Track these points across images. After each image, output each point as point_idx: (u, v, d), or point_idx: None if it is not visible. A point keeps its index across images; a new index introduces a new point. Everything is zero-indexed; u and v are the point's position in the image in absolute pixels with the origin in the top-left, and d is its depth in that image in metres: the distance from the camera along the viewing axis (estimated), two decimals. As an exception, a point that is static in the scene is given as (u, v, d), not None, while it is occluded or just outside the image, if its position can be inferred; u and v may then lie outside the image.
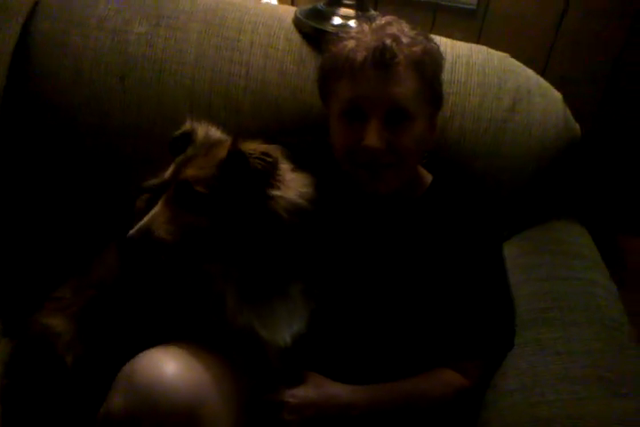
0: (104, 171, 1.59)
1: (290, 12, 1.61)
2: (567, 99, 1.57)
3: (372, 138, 1.21)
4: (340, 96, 1.26)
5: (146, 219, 1.07)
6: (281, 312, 1.18)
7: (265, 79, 1.54)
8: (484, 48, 1.59)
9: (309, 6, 1.60)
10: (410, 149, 1.24)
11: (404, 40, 1.23)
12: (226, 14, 1.58)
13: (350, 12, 1.54)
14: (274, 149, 1.10)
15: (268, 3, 1.82)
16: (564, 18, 1.75)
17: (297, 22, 1.57)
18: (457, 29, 1.77)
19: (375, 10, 1.64)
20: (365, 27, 1.27)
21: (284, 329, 1.17)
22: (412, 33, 1.26)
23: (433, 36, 1.34)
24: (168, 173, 1.13)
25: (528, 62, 1.60)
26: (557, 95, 1.57)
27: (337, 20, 1.53)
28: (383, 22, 1.27)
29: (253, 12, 1.59)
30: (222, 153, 1.09)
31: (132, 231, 1.05)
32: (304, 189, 1.15)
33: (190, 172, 1.09)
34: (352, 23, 1.51)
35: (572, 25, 1.75)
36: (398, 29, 1.25)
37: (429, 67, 1.25)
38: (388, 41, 1.21)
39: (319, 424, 1.17)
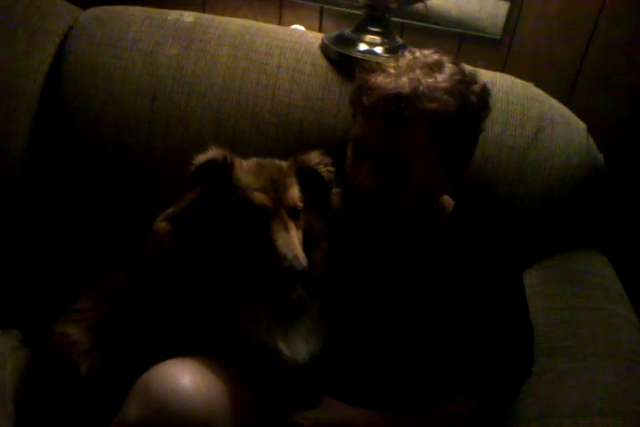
0: (127, 189, 1.62)
1: (317, 37, 1.64)
2: (590, 129, 1.58)
3: (362, 179, 1.21)
4: (354, 130, 1.27)
5: (299, 249, 1.09)
6: (300, 331, 1.18)
7: (290, 102, 1.57)
8: (508, 76, 1.60)
9: (336, 33, 1.63)
10: (404, 196, 1.22)
11: (425, 91, 1.15)
12: (255, 39, 1.62)
13: (376, 38, 1.57)
14: (327, 158, 1.22)
15: (295, 29, 1.86)
16: (589, 49, 1.75)
17: (324, 48, 1.60)
18: (482, 59, 1.78)
19: (401, 37, 1.66)
20: (403, 60, 1.22)
21: (303, 347, 1.18)
22: (445, 84, 1.16)
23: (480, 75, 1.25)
24: (263, 201, 1.12)
25: (552, 93, 1.61)
26: (581, 125, 1.57)
27: (363, 47, 1.56)
28: (421, 61, 1.20)
29: (281, 37, 1.63)
30: (288, 173, 1.18)
31: (300, 263, 1.07)
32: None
33: (289, 196, 1.14)
34: (378, 50, 1.54)
35: (596, 56, 1.75)
36: (429, 75, 1.17)
37: (448, 125, 1.16)
38: (406, 90, 1.15)
39: None
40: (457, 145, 1.22)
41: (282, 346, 1.15)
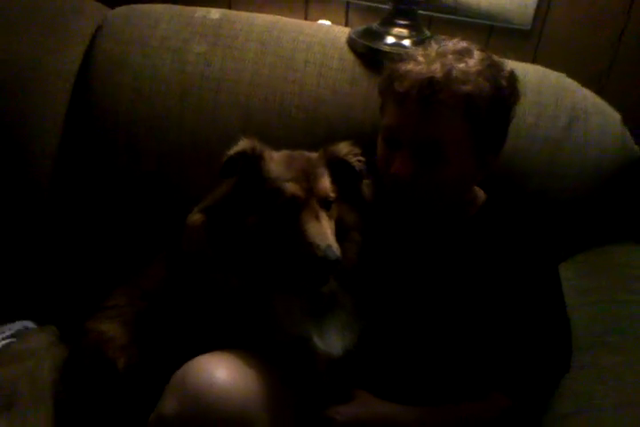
0: (157, 186, 1.63)
1: (344, 32, 1.64)
2: (625, 120, 1.54)
3: (397, 167, 1.20)
4: (384, 120, 1.26)
5: (332, 238, 1.09)
6: (335, 324, 1.18)
7: (318, 97, 1.56)
8: (539, 67, 1.58)
9: (363, 26, 1.62)
10: (438, 185, 1.21)
11: (458, 75, 1.15)
12: (281, 34, 1.62)
13: (404, 31, 1.55)
14: (357, 148, 1.22)
15: (322, 24, 1.85)
16: (622, 37, 1.72)
17: (350, 42, 1.59)
18: (511, 51, 1.76)
19: (429, 30, 1.64)
20: (431, 49, 1.22)
21: (337, 341, 1.17)
22: (476, 68, 1.17)
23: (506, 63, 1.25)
24: (294, 191, 1.12)
25: (585, 83, 1.58)
26: (615, 115, 1.54)
27: (390, 40, 1.54)
28: (450, 49, 1.21)
29: (308, 32, 1.62)
30: (318, 163, 1.18)
31: (334, 253, 1.06)
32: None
33: (320, 186, 1.14)
34: (406, 42, 1.53)
35: (630, 44, 1.72)
36: (460, 60, 1.18)
37: (482, 108, 1.16)
38: (439, 74, 1.15)
39: None
40: (490, 130, 1.20)
41: (316, 339, 1.15)
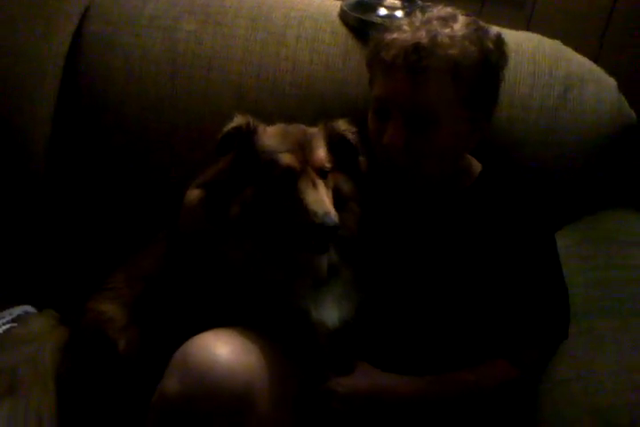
0: (152, 166, 1.62)
1: (335, 5, 1.61)
2: (621, 86, 1.53)
3: (389, 137, 1.20)
4: (373, 91, 1.26)
5: (329, 205, 1.10)
6: (332, 295, 1.19)
7: (311, 73, 1.54)
8: (534, 35, 1.57)
9: (355, -1, 1.60)
10: (432, 152, 1.20)
11: (444, 40, 1.15)
12: (272, 10, 1.60)
13: (396, 2, 1.53)
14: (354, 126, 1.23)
15: (313, -2, 1.83)
16: (616, 3, 1.70)
17: (342, 15, 1.58)
18: (505, 19, 1.74)
19: (422, 0, 1.62)
20: (416, 18, 1.22)
21: (334, 312, 1.18)
22: (462, 32, 1.17)
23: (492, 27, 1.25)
24: (289, 162, 1.13)
25: (579, 51, 1.56)
26: (611, 82, 1.53)
27: (382, 11, 1.53)
28: (435, 15, 1.21)
29: (299, 7, 1.60)
30: (315, 136, 1.19)
31: (332, 219, 1.07)
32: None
33: (315, 155, 1.15)
34: (398, 13, 1.51)
35: (623, 10, 1.70)
36: (445, 26, 1.18)
37: (470, 71, 1.16)
38: (424, 40, 1.15)
39: (368, 414, 1.17)
40: (480, 93, 1.20)
41: (314, 310, 1.16)
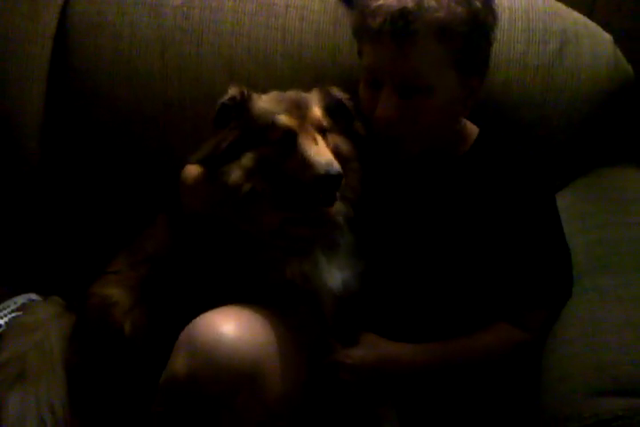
0: (147, 146, 1.60)
1: (324, -28, 1.58)
2: (617, 39, 1.50)
3: (382, 108, 1.18)
4: (363, 62, 1.25)
5: (331, 156, 1.12)
6: (335, 261, 1.20)
7: (302, 42, 1.52)
8: (527, -8, 1.53)
9: (344, -36, 1.57)
10: (427, 119, 1.19)
11: (430, 3, 1.13)
12: (259, -21, 1.57)
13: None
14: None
15: (300, -35, 1.79)
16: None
17: (331, -19, 1.55)
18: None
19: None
20: None
21: (338, 279, 1.19)
22: None
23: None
24: (288, 122, 1.14)
25: (573, 6, 1.53)
26: (607, 36, 1.50)
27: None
28: None
29: (287, -25, 1.57)
30: (310, 97, 1.21)
31: (335, 168, 1.08)
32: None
33: (312, 113, 1.16)
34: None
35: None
36: None
37: (459, 33, 1.14)
38: (410, 4, 1.13)
39: (376, 383, 1.18)
40: (471, 54, 1.18)
41: (317, 275, 1.17)
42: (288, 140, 1.13)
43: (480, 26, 1.18)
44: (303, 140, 1.13)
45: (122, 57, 1.56)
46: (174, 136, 1.58)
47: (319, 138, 1.14)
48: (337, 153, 1.17)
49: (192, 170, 1.27)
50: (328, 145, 1.16)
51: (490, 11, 1.20)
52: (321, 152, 1.11)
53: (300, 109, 1.16)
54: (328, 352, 1.19)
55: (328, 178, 1.08)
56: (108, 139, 1.61)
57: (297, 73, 1.52)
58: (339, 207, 1.18)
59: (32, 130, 1.62)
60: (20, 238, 1.66)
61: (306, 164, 1.10)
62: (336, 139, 1.20)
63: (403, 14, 1.13)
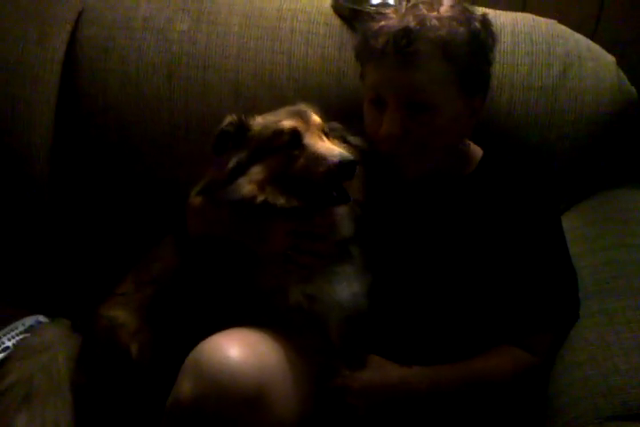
0: (154, 168, 1.62)
1: (328, -4, 1.61)
2: (620, 62, 1.51)
3: (387, 126, 1.19)
4: (366, 82, 1.26)
5: (341, 148, 1.15)
6: (345, 277, 1.20)
7: (307, 66, 1.54)
8: (529, 15, 1.55)
9: (347, -11, 1.59)
10: (431, 137, 1.20)
11: (432, 23, 1.16)
12: (264, 4, 1.59)
13: (389, -8, 1.52)
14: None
15: (305, -10, 1.82)
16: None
17: (335, 6, 1.57)
18: (501, 1, 1.72)
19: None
20: (401, 6, 1.23)
21: (346, 292, 1.19)
22: (448, 13, 1.18)
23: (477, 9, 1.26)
24: (293, 124, 1.17)
25: (576, 29, 1.54)
26: (610, 58, 1.51)
27: (375, 0, 1.51)
28: (420, 1, 1.22)
29: (292, 0, 1.59)
30: (308, 109, 1.23)
31: (347, 156, 1.10)
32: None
33: (314, 118, 1.19)
34: (391, 1, 1.50)
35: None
36: (431, 9, 1.19)
37: (461, 51, 1.17)
38: (412, 24, 1.15)
39: (383, 407, 1.17)
40: (472, 72, 1.20)
41: (325, 293, 1.18)
42: (295, 141, 1.15)
43: (480, 45, 1.21)
44: (310, 139, 1.15)
45: (130, 81, 1.58)
46: (180, 158, 1.60)
47: (325, 138, 1.17)
48: None
49: (197, 199, 1.28)
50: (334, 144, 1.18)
51: (489, 32, 1.23)
52: (330, 147, 1.14)
53: (301, 115, 1.19)
54: (334, 376, 1.18)
55: (343, 164, 1.09)
56: (115, 160, 1.63)
57: (302, 96, 1.52)
58: (344, 212, 1.19)
59: (42, 152, 1.63)
60: (28, 260, 1.67)
61: (317, 158, 1.12)
62: (340, 145, 1.22)
63: (405, 33, 1.15)
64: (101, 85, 1.60)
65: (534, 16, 1.55)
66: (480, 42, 1.20)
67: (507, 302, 1.22)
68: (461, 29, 1.17)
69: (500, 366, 1.19)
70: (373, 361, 1.21)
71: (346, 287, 1.20)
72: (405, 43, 1.15)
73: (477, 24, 1.20)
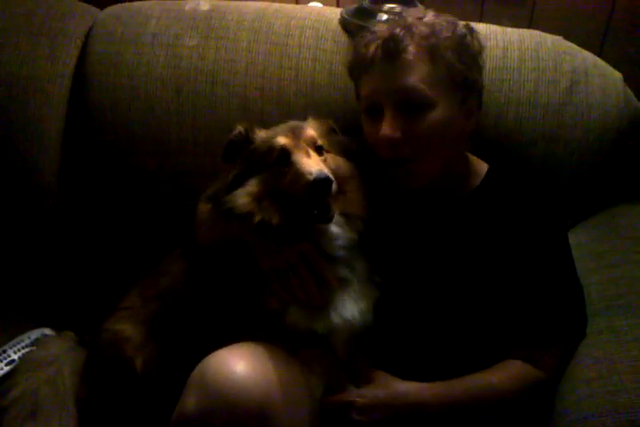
0: (163, 182, 1.63)
1: (335, 13, 1.62)
2: (627, 78, 1.52)
3: (385, 128, 1.20)
4: (361, 94, 1.28)
5: (322, 165, 1.16)
6: (351, 292, 1.21)
7: (315, 82, 1.55)
8: (535, 32, 1.55)
9: (354, 5, 1.60)
10: (430, 137, 1.21)
11: (418, 28, 1.21)
12: (273, 20, 1.61)
13: (396, 7, 1.53)
14: None
15: (313, 6, 1.84)
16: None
17: (343, 22, 1.58)
18: (507, 18, 1.74)
19: (422, 3, 1.62)
20: (390, 20, 1.30)
21: (353, 309, 1.19)
22: (434, 20, 1.23)
23: (476, 24, 1.31)
24: (283, 142, 1.19)
25: (583, 45, 1.55)
26: (616, 75, 1.52)
27: (383, 17, 1.52)
28: (408, 14, 1.28)
29: (300, 16, 1.61)
30: (306, 123, 1.27)
31: (324, 173, 1.12)
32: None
33: (307, 132, 1.22)
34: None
35: (625, 6, 1.68)
36: (416, 18, 1.24)
37: (448, 53, 1.20)
38: (398, 30, 1.20)
39: (389, 423, 1.16)
40: (462, 75, 1.22)
41: (332, 310, 1.18)
42: (283, 158, 1.18)
43: (466, 48, 1.24)
44: (296, 156, 1.17)
45: (139, 95, 1.60)
46: (188, 172, 1.61)
47: (313, 153, 1.18)
48: (338, 172, 1.21)
49: (205, 207, 1.30)
50: (324, 161, 1.20)
51: (474, 37, 1.27)
52: (311, 163, 1.15)
53: (295, 131, 1.22)
54: (340, 391, 1.18)
55: (317, 183, 1.10)
56: (123, 174, 1.64)
57: (310, 111, 1.53)
58: (339, 231, 1.20)
59: (51, 165, 1.65)
60: (35, 272, 1.68)
61: (298, 175, 1.14)
62: (337, 159, 1.25)
63: (393, 38, 1.20)
64: (111, 100, 1.62)
65: (541, 32, 1.56)
66: (466, 44, 1.24)
67: (513, 317, 1.21)
68: (447, 33, 1.22)
69: (506, 381, 1.19)
70: (378, 377, 1.20)
71: (352, 304, 1.20)
72: (393, 47, 1.19)
73: (462, 29, 1.25)
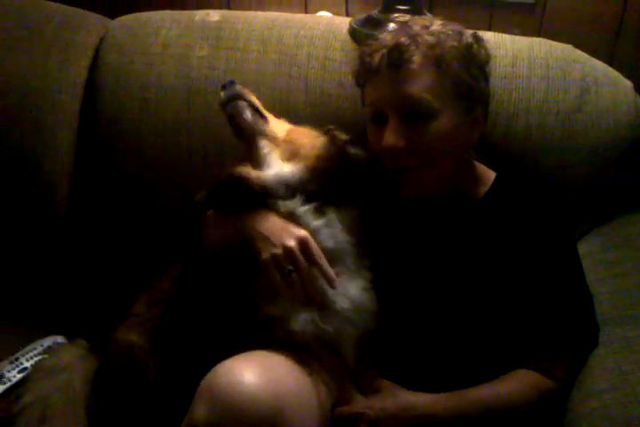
0: (171, 192, 1.64)
1: (344, 22, 1.62)
2: (637, 87, 1.51)
3: (388, 137, 1.20)
4: (367, 102, 1.29)
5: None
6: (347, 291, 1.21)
7: (324, 92, 1.56)
8: (545, 41, 1.55)
9: (364, 15, 1.61)
10: (434, 147, 1.21)
11: (423, 37, 1.20)
12: (282, 31, 1.62)
13: (405, 16, 1.53)
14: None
15: (322, 15, 1.84)
16: (627, 3, 1.68)
17: (352, 32, 1.58)
18: (516, 26, 1.74)
19: (430, 12, 1.62)
20: (395, 29, 1.29)
21: (352, 286, 1.21)
22: (439, 29, 1.23)
23: (485, 33, 1.30)
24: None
25: (593, 54, 1.55)
26: (627, 83, 1.51)
27: (392, 26, 1.53)
28: (413, 22, 1.27)
29: (309, 26, 1.62)
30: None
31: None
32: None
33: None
34: (406, 28, 1.51)
35: (636, 10, 1.68)
36: (422, 27, 1.24)
37: (454, 62, 1.20)
38: (403, 39, 1.20)
39: None
40: (468, 85, 1.22)
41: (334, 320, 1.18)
42: None
43: (473, 57, 1.24)
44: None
45: (149, 106, 1.61)
46: (198, 183, 1.55)
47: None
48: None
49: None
50: None
51: (481, 46, 1.27)
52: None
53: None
54: (348, 402, 1.18)
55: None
56: (133, 184, 1.65)
57: (319, 121, 1.54)
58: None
59: (62, 177, 1.66)
60: (47, 281, 1.69)
61: None
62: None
63: (397, 47, 1.20)
64: (121, 111, 1.63)
65: (550, 41, 1.55)
66: (472, 54, 1.24)
67: (523, 326, 1.21)
68: (453, 42, 1.21)
69: (517, 391, 1.18)
70: (387, 388, 1.20)
71: (350, 284, 1.21)
72: (398, 56, 1.19)
73: (469, 38, 1.24)
